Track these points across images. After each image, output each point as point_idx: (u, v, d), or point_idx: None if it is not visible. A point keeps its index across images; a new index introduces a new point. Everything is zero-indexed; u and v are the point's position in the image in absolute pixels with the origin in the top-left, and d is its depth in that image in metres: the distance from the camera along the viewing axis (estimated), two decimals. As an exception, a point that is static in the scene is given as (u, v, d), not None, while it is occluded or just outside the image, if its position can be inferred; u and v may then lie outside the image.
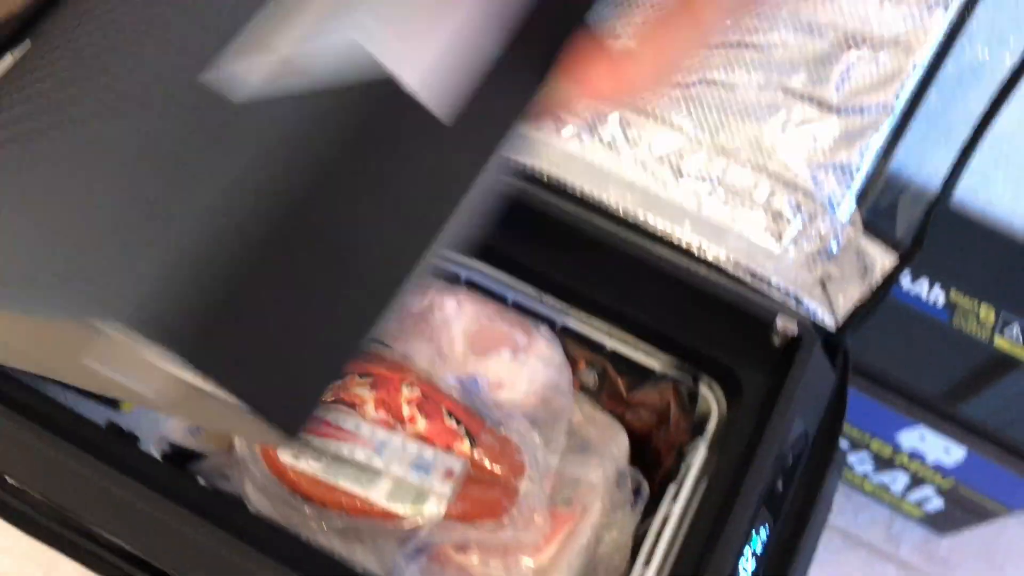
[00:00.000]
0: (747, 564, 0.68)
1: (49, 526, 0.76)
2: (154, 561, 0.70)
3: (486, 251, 0.86)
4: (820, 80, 0.82)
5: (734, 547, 0.67)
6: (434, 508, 0.74)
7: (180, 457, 0.82)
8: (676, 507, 0.78)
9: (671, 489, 0.84)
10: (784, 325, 0.74)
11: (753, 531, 0.69)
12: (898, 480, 1.21)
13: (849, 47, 0.81)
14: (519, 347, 0.80)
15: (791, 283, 0.84)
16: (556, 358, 0.80)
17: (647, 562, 0.79)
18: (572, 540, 0.77)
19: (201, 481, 0.80)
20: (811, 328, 0.75)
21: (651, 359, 0.85)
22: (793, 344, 0.76)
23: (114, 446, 0.75)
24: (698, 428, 0.84)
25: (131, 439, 0.79)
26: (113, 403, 0.86)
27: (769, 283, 0.82)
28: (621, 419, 0.85)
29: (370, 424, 0.77)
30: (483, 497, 0.75)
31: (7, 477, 0.74)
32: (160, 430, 0.79)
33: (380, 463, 0.75)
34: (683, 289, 0.81)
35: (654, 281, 0.82)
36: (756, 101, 0.84)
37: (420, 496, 0.74)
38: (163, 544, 0.70)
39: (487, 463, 0.76)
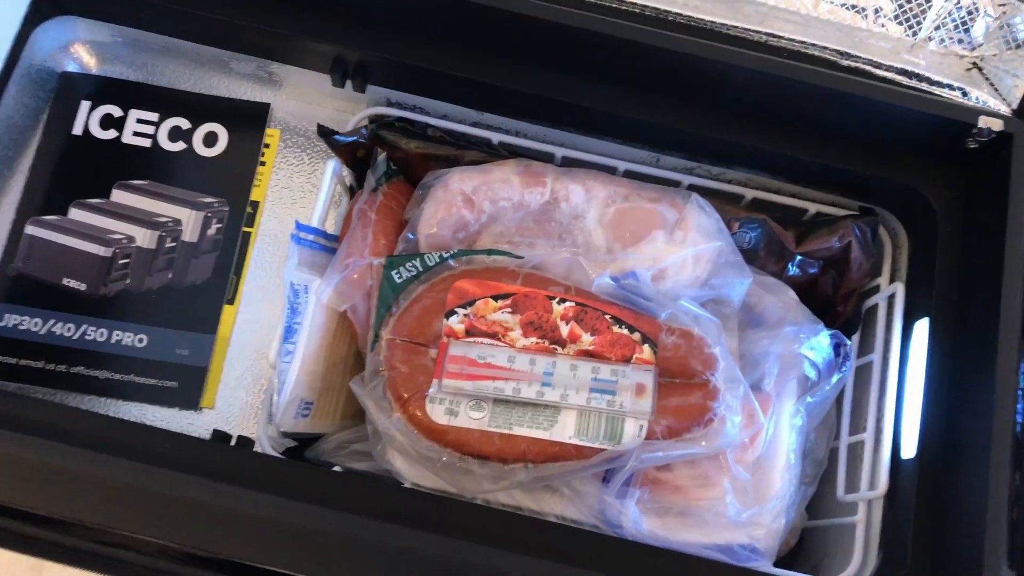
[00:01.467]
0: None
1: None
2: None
3: (574, 114, 0.71)
4: None
5: (1009, 390, 0.57)
6: (634, 431, 0.62)
7: (295, 448, 0.67)
8: (889, 357, 0.67)
9: (855, 340, 0.73)
10: (988, 123, 0.62)
11: (1021, 366, 0.59)
12: None
13: None
14: (671, 224, 0.66)
15: (944, 75, 0.71)
16: (715, 224, 0.67)
17: (860, 424, 0.70)
18: (783, 421, 0.66)
19: (337, 469, 0.66)
20: (1020, 121, 0.63)
21: (805, 201, 0.73)
22: (994, 145, 0.64)
23: (232, 457, 0.60)
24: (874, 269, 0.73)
25: (246, 443, 0.64)
26: (194, 404, 0.71)
27: (928, 79, 0.70)
28: (779, 277, 0.74)
29: (524, 353, 0.64)
30: (684, 405, 0.63)
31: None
32: (271, 423, 0.64)
33: (554, 395, 0.62)
34: (827, 108, 0.67)
35: (788, 107, 0.68)
36: None
37: (613, 422, 0.62)
38: (320, 555, 0.56)
39: (676, 365, 0.64)
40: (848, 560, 0.65)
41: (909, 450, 0.62)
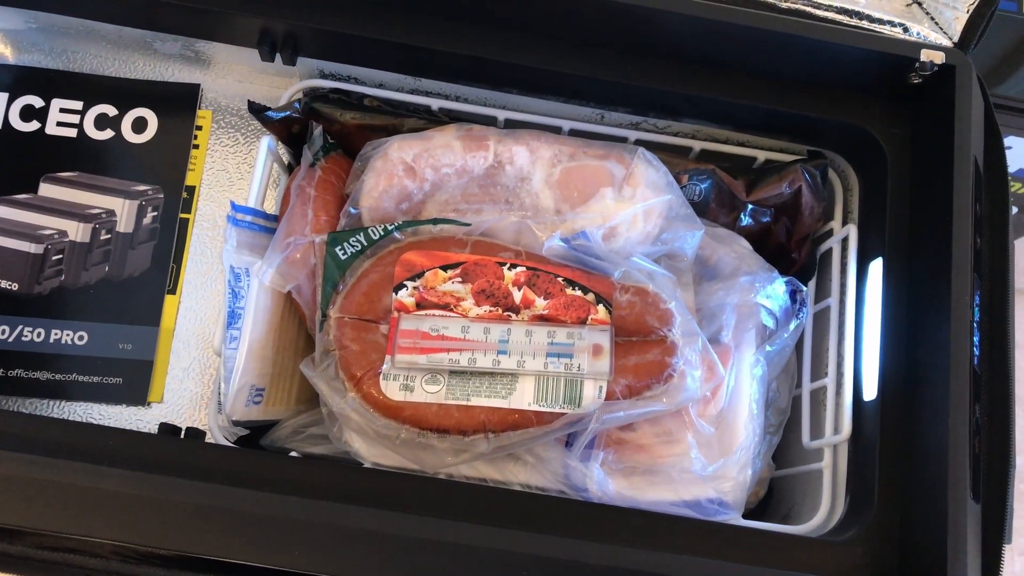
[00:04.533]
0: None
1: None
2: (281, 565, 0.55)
3: (515, 75, 0.69)
4: None
5: (963, 324, 0.57)
6: (594, 393, 0.61)
7: (250, 436, 0.66)
8: (846, 300, 0.67)
9: (811, 286, 0.73)
10: (930, 56, 0.62)
11: (975, 299, 0.58)
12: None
13: None
14: (619, 180, 0.65)
15: (884, 12, 0.70)
16: (663, 178, 0.66)
17: (821, 369, 0.69)
18: (743, 372, 0.66)
19: (294, 454, 0.65)
20: (962, 53, 0.62)
21: (753, 149, 0.72)
22: (937, 79, 0.63)
23: (182, 450, 0.58)
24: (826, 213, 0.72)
25: (196, 435, 0.62)
26: (142, 399, 0.68)
27: (868, 17, 0.69)
28: (731, 228, 0.73)
29: (478, 322, 0.62)
30: (643, 362, 0.62)
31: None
32: (222, 413, 0.62)
33: (510, 363, 0.61)
34: (769, 51, 0.66)
35: (730, 53, 0.66)
36: None
37: (572, 385, 0.61)
38: (284, 543, 0.55)
39: (633, 324, 0.63)
40: (817, 506, 0.65)
41: (870, 392, 0.62)
